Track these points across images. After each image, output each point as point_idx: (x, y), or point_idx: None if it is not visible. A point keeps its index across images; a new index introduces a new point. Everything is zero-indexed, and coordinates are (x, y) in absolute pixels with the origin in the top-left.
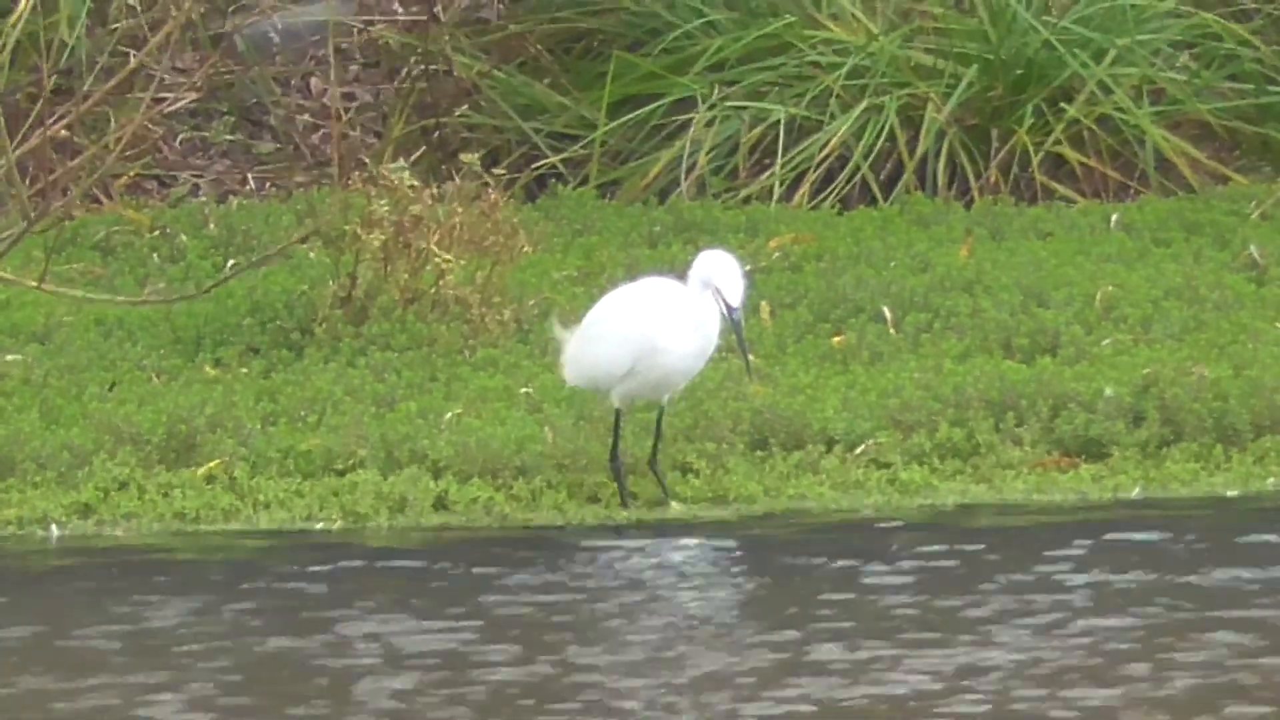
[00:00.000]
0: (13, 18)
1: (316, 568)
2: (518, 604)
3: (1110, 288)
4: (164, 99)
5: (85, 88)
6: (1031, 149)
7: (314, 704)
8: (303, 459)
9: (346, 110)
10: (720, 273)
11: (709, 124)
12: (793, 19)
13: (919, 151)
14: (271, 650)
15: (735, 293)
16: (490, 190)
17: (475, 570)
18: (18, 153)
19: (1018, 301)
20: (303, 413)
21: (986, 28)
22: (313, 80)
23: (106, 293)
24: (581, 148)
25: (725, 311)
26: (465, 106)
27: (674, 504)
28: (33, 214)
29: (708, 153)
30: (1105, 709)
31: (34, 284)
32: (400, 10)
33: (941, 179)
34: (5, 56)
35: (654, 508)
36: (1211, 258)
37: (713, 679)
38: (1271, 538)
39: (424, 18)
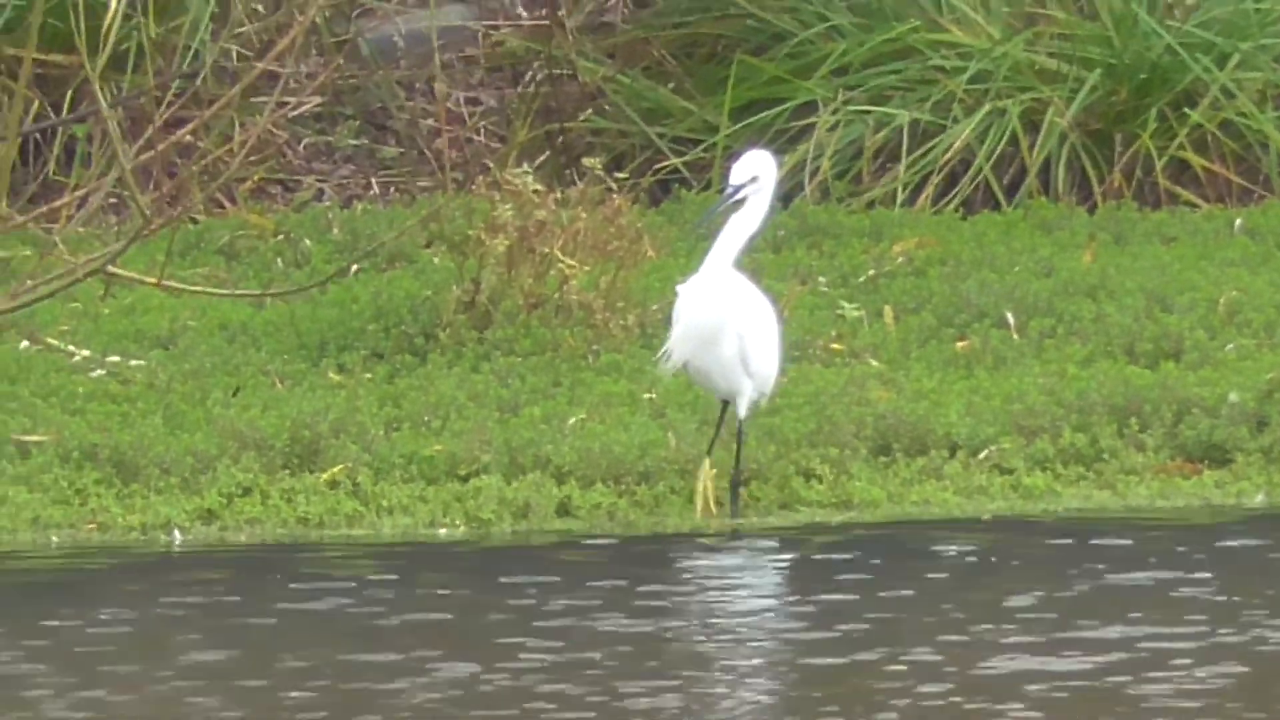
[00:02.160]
0: (106, 20)
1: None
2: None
3: (1234, 292)
4: (288, 103)
5: (209, 92)
6: (1155, 153)
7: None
8: (426, 464)
9: (470, 115)
10: (738, 163)
11: (832, 128)
12: (916, 23)
13: (1041, 156)
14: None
15: (737, 174)
16: (614, 195)
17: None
18: (143, 157)
19: (1141, 306)
20: (426, 418)
21: (1109, 32)
22: (436, 85)
23: (226, 291)
24: (705, 152)
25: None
26: (589, 111)
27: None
28: (149, 214)
29: (831, 157)
30: None
31: (153, 281)
32: (524, 15)
33: (1064, 183)
34: (105, 58)
35: (780, 510)
36: None
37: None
38: None
39: (548, 22)
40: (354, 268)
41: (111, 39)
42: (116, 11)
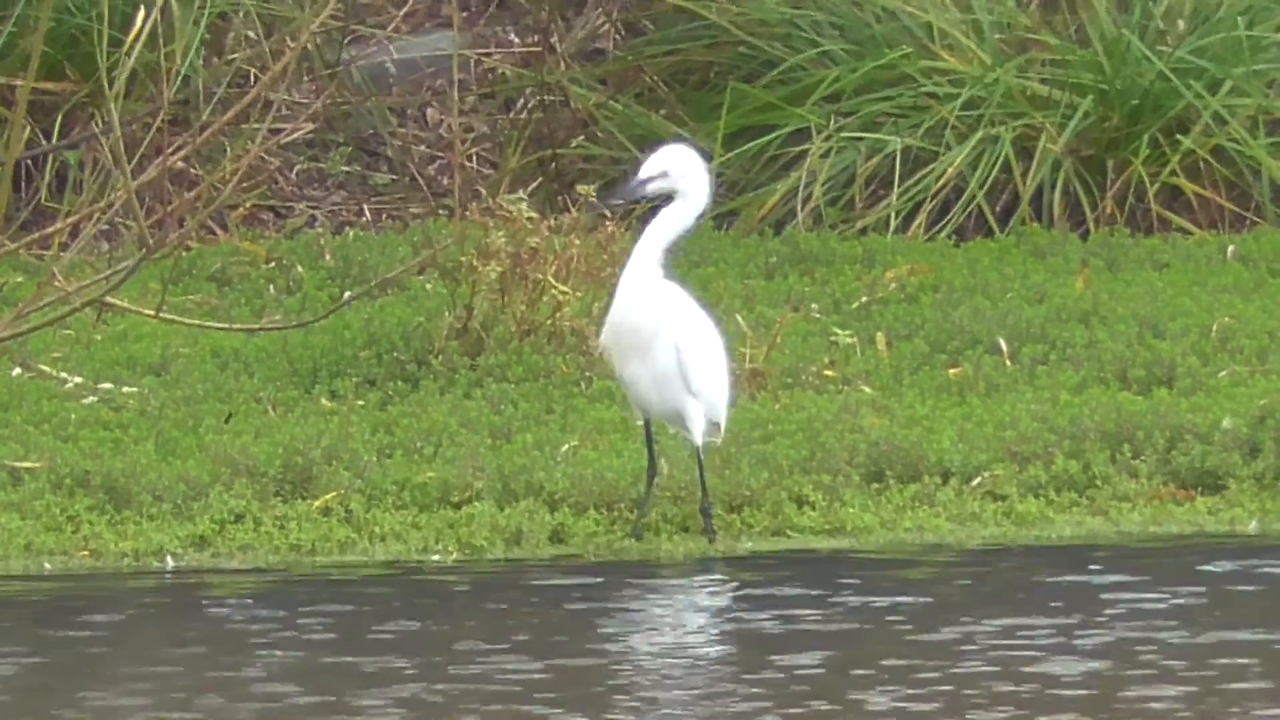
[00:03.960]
0: (128, 41)
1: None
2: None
3: (1226, 319)
4: (280, 130)
5: (202, 118)
6: (1147, 180)
7: None
8: (419, 491)
9: (463, 141)
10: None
11: (825, 155)
12: (908, 50)
13: (1034, 182)
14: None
15: (644, 168)
16: (607, 221)
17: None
18: (134, 183)
19: (1134, 333)
20: (419, 445)
21: (1101, 59)
22: (429, 111)
23: (223, 324)
24: None
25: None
26: (581, 137)
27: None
28: (152, 243)
29: (824, 184)
30: None
31: (150, 313)
32: (516, 41)
33: (1057, 210)
34: (120, 86)
35: (771, 536)
36: None
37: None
38: None
39: (540, 49)
40: (347, 295)
41: (131, 62)
42: (141, 30)
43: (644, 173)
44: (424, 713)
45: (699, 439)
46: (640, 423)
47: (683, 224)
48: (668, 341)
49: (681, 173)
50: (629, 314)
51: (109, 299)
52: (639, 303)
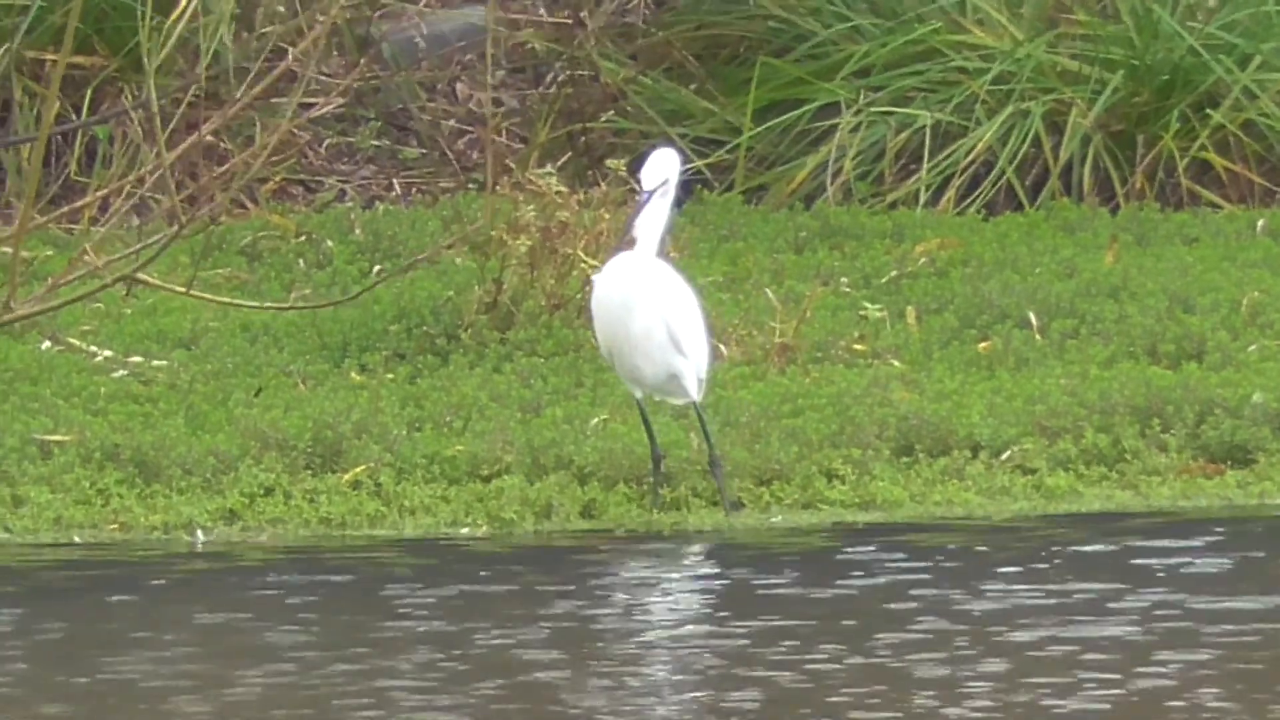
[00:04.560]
0: (172, 17)
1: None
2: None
3: (1256, 293)
4: (310, 104)
5: (232, 94)
6: (1177, 154)
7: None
8: (448, 465)
9: (493, 115)
10: (646, 165)
11: (855, 129)
12: (938, 25)
13: (1064, 157)
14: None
15: (648, 178)
16: (636, 196)
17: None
18: (170, 157)
19: (1164, 307)
20: (448, 418)
21: (1132, 34)
22: (458, 86)
23: (253, 298)
24: (727, 153)
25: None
26: (611, 112)
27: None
28: (183, 221)
29: (853, 158)
30: None
31: (182, 290)
32: (546, 16)
33: (1087, 184)
34: (160, 60)
35: (802, 510)
36: None
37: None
38: None
39: (570, 23)
40: (376, 268)
41: (175, 35)
42: (186, 8)
43: (650, 184)
44: (449, 680)
45: (696, 395)
46: (638, 397)
47: (668, 212)
48: (657, 317)
49: (674, 173)
50: (616, 290)
51: (140, 275)
52: (625, 279)
